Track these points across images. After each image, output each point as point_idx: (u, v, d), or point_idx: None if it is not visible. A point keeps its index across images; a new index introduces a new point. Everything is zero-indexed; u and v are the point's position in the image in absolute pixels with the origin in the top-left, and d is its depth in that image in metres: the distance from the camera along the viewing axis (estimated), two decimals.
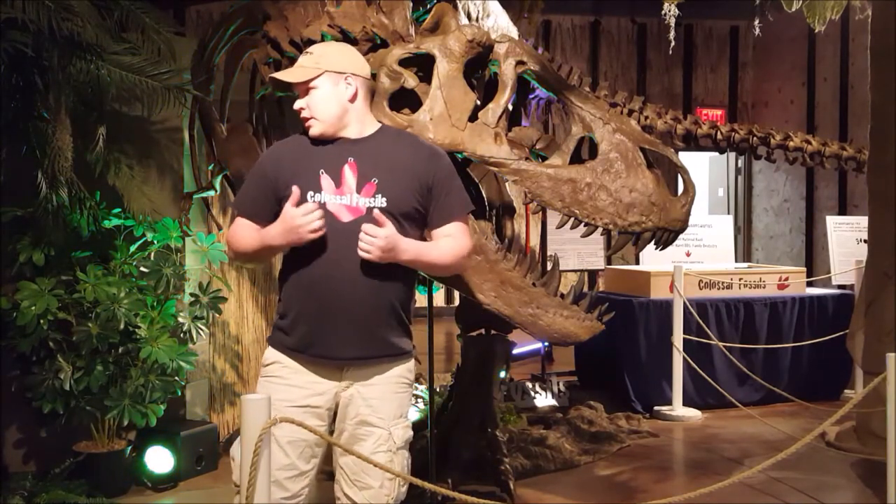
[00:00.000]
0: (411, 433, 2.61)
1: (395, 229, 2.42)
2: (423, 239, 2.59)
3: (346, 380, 2.52)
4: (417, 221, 2.57)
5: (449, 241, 2.57)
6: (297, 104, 2.57)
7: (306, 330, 2.50)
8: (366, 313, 2.47)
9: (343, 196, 2.48)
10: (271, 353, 2.57)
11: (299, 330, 2.51)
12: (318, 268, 2.46)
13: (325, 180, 2.48)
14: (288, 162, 2.56)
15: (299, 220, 2.39)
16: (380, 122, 2.71)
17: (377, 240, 2.38)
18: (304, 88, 2.56)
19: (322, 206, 2.45)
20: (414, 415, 5.16)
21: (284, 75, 2.61)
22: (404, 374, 2.59)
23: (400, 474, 2.52)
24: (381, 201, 2.48)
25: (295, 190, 2.44)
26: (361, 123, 2.59)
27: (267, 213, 2.54)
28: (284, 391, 2.50)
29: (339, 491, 2.56)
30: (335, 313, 2.46)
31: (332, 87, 2.55)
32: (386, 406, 2.53)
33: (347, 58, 2.63)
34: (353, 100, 2.57)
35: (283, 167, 2.55)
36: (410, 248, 2.47)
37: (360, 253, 2.39)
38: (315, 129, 2.56)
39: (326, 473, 2.73)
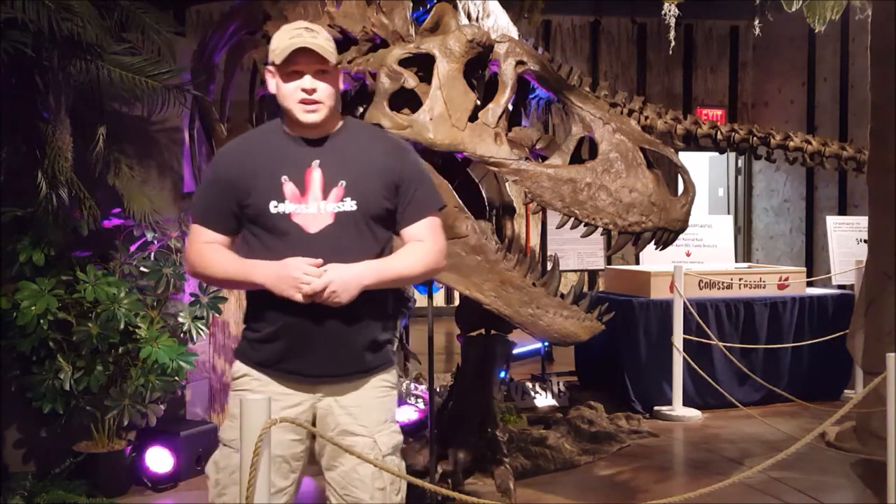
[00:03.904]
0: (399, 437, 2.46)
1: (336, 267, 2.25)
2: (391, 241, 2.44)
3: (319, 392, 2.39)
4: (388, 223, 2.41)
5: (416, 248, 2.39)
6: (307, 84, 2.31)
7: (278, 347, 2.36)
8: (340, 332, 2.33)
9: (308, 204, 2.31)
10: (239, 366, 2.44)
11: (271, 346, 2.37)
12: None
13: (289, 187, 2.32)
14: (248, 164, 2.37)
15: (298, 277, 2.23)
16: (380, 121, 2.59)
17: (330, 287, 2.23)
18: (316, 69, 2.32)
19: (287, 216, 2.31)
20: (413, 415, 5.16)
21: (319, 49, 2.29)
22: (385, 379, 2.45)
23: (397, 473, 2.39)
24: (350, 205, 2.32)
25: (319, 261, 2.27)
26: (336, 119, 2.43)
27: (228, 220, 2.39)
28: None
29: None
30: (309, 331, 2.32)
31: (338, 77, 2.40)
32: (367, 413, 2.39)
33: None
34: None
35: (243, 170, 2.36)
36: (368, 272, 2.29)
37: (331, 304, 2.25)
38: (320, 115, 2.33)
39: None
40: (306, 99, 2.32)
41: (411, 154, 2.50)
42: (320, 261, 2.26)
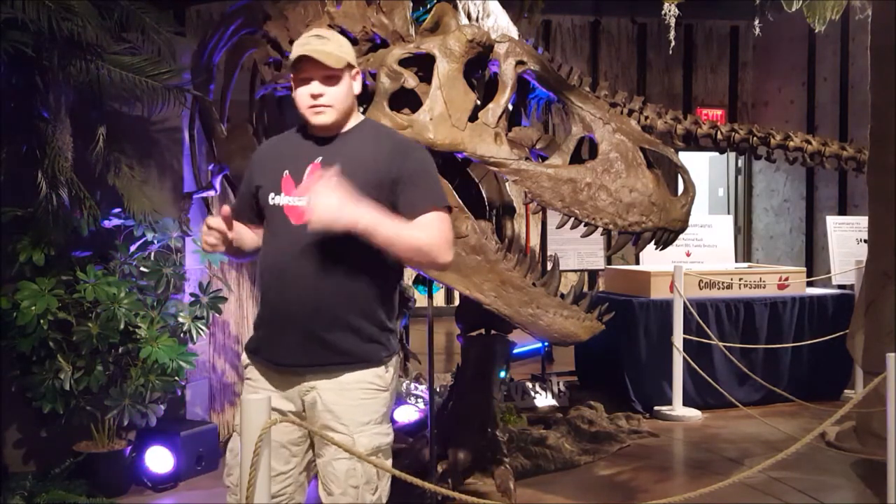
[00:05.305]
0: (384, 440, 2.45)
1: (350, 192, 2.24)
2: None
3: (304, 383, 2.42)
4: None
5: (420, 227, 2.36)
6: (315, 89, 2.40)
7: (261, 334, 2.48)
8: (313, 320, 2.36)
9: (301, 197, 2.38)
10: (245, 355, 2.58)
11: (258, 334, 2.50)
12: (271, 271, 2.42)
13: (287, 181, 2.43)
14: (263, 161, 2.55)
15: (205, 227, 2.39)
16: (372, 119, 2.63)
17: (322, 197, 2.21)
18: (323, 75, 2.40)
19: (280, 208, 2.42)
20: (413, 415, 5.17)
21: (321, 56, 2.37)
22: (370, 380, 2.42)
23: (383, 466, 2.40)
24: None
25: (225, 208, 2.42)
26: (349, 119, 2.51)
27: (248, 211, 2.56)
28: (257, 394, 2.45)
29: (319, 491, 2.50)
30: (283, 318, 2.40)
31: (349, 80, 2.46)
32: (349, 412, 2.39)
33: (353, 52, 2.54)
34: (358, 95, 2.50)
35: (258, 166, 2.55)
36: (379, 219, 2.26)
37: (310, 221, 2.24)
38: (328, 117, 2.42)
39: None
40: (313, 104, 2.43)
41: (413, 155, 2.48)
42: (218, 219, 2.37)
